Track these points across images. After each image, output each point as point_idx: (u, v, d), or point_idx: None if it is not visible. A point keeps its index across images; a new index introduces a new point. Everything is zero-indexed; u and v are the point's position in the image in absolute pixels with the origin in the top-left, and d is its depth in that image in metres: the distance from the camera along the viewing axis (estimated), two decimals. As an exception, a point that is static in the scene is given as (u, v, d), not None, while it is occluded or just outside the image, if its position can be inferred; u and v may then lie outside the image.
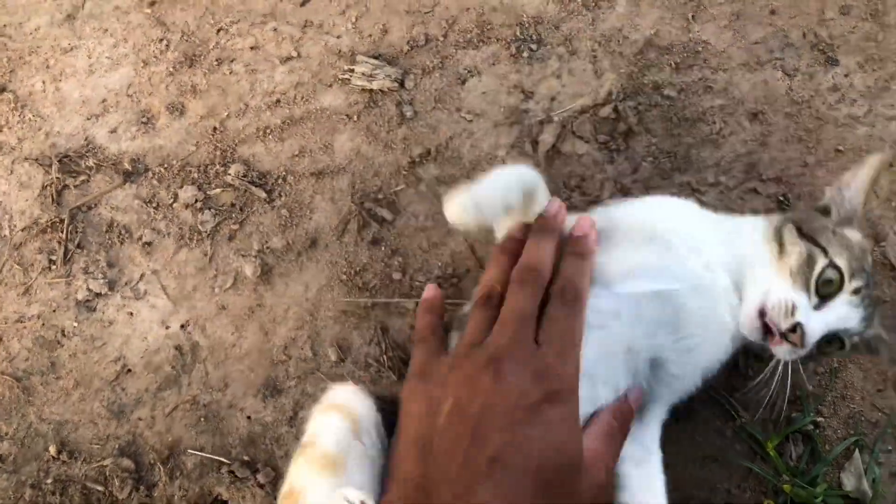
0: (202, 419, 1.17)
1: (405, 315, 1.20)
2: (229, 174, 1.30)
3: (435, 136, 1.31)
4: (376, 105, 1.33)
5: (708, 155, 1.28)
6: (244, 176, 1.30)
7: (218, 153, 1.32)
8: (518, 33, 1.36)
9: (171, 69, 1.41)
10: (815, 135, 1.29)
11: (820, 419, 1.12)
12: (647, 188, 1.26)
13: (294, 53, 1.39)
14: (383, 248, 1.24)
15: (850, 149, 1.27)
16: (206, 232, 1.27)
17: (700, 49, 1.35)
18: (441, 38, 1.38)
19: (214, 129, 1.35)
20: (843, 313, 0.93)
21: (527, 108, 1.32)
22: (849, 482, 1.09)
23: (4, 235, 1.31)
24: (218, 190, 1.30)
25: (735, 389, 1.12)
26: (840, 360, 1.15)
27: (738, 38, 1.36)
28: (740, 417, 1.11)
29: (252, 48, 1.40)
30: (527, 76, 1.34)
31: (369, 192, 1.27)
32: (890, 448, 1.12)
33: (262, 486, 1.12)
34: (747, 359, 1.13)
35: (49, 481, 1.15)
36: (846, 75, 1.32)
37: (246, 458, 1.14)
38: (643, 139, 1.29)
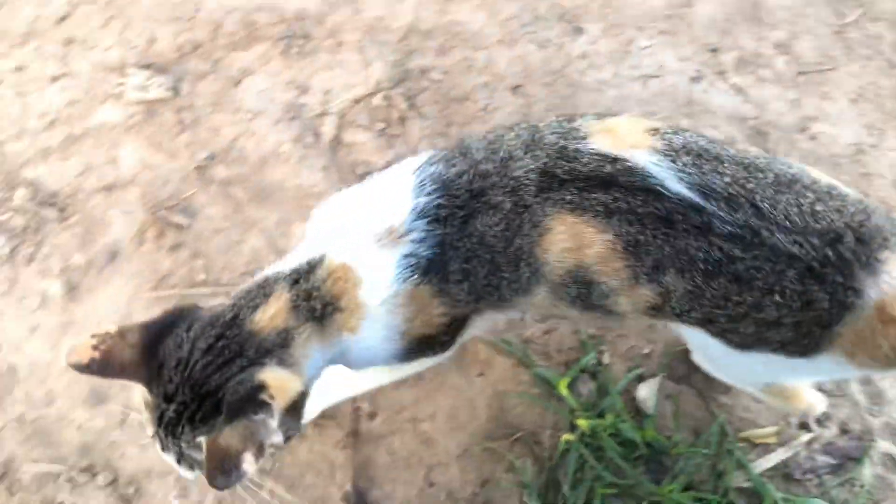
0: (33, 434, 1.25)
1: (213, 314, 1.30)
2: (16, 198, 1.32)
3: (218, 139, 1.36)
4: (155, 115, 1.37)
5: (478, 130, 1.42)
6: (32, 198, 1.32)
7: (0, 178, 1.33)
8: (285, 30, 1.41)
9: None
10: (571, 101, 1.44)
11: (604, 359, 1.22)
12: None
13: (62, 71, 1.39)
14: (184, 253, 1.32)
15: (603, 110, 1.43)
16: (2, 257, 1.30)
17: (459, 30, 1.45)
18: (209, 42, 1.41)
19: (-7, 154, 1.34)
20: None
21: (304, 103, 1.39)
22: (642, 392, 1.21)
23: None
24: (8, 215, 1.32)
25: (530, 340, 1.25)
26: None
27: (491, 16, 1.47)
28: (535, 365, 1.22)
29: (17, 69, 1.38)
30: (299, 71, 1.40)
31: (162, 200, 1.33)
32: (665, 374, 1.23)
33: (103, 488, 1.22)
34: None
35: None
36: (592, 43, 1.47)
37: (84, 464, 1.23)
38: (417, 123, 1.40)
